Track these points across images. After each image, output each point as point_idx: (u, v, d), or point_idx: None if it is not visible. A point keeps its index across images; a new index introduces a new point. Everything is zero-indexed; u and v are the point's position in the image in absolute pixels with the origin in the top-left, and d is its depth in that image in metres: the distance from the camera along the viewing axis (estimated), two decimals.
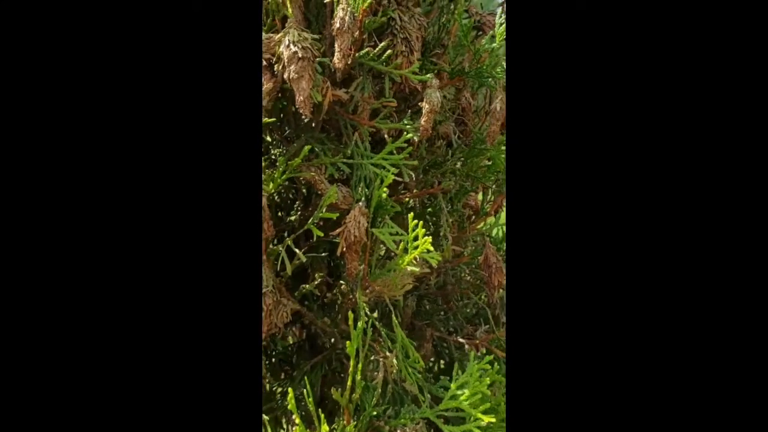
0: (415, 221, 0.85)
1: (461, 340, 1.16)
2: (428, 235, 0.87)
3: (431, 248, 0.83)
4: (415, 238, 0.87)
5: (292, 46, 0.91)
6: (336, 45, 0.93)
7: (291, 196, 1.22)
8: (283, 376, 1.20)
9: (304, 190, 1.18)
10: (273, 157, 1.16)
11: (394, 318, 0.93)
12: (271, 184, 0.95)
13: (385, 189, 0.92)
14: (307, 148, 0.98)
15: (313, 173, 1.02)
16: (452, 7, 1.17)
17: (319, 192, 1.05)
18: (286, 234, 1.20)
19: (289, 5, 0.92)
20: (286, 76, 0.92)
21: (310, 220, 0.98)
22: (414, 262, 0.87)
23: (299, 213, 1.17)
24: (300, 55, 0.91)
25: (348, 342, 0.85)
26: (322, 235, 0.92)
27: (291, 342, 1.20)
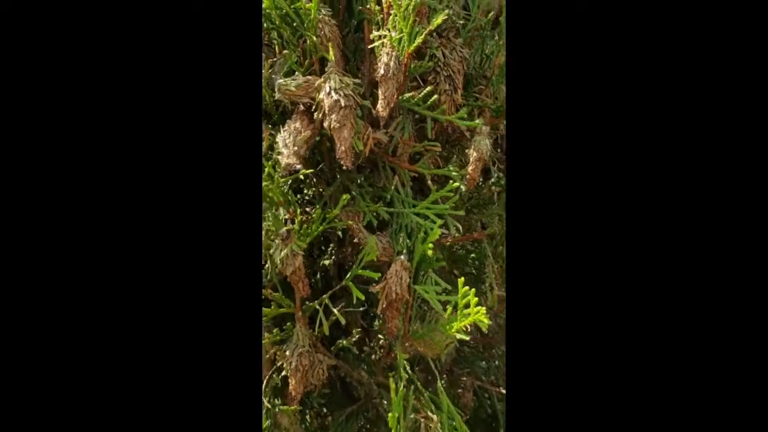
0: (466, 288, 0.79)
1: (504, 391, 1.09)
2: (470, 278, 0.80)
3: (485, 319, 0.76)
4: (465, 301, 0.81)
5: (333, 94, 0.85)
6: (380, 92, 0.86)
7: (323, 236, 1.16)
8: (316, 425, 1.15)
9: (339, 232, 1.12)
10: (306, 197, 1.10)
11: (439, 384, 0.87)
12: (307, 239, 0.89)
13: (430, 245, 0.85)
14: (345, 198, 0.92)
15: (351, 222, 0.96)
16: (496, 36, 1.10)
17: (357, 241, 0.99)
18: (318, 276, 1.14)
19: (331, 50, 0.85)
20: (326, 124, 0.86)
21: (348, 276, 0.92)
22: (463, 329, 0.80)
23: (333, 257, 1.11)
24: (342, 104, 0.85)
25: (388, 405, 0.79)
26: (362, 297, 0.86)
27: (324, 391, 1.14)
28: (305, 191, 1.10)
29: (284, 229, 0.84)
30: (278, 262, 0.84)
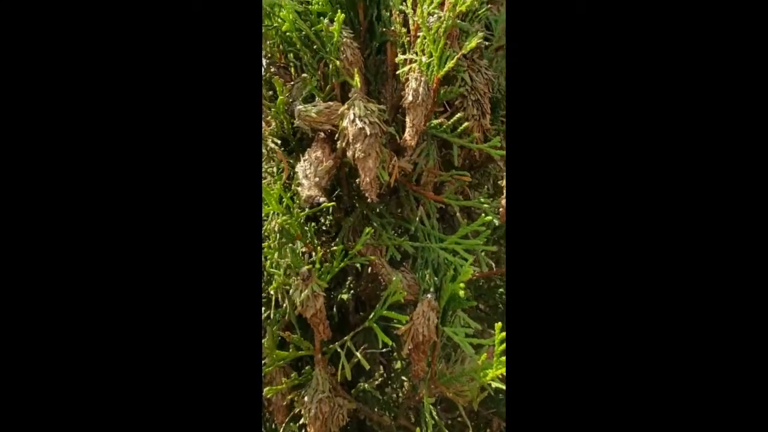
0: (503, 334, 0.72)
1: None
2: (498, 313, 0.74)
3: None
4: (503, 347, 0.74)
5: (358, 121, 0.79)
6: (408, 119, 0.81)
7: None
8: None
9: (357, 265, 1.06)
10: (323, 226, 1.03)
11: None
12: (328, 276, 0.83)
13: (461, 284, 0.79)
14: (368, 231, 0.86)
15: (373, 258, 0.90)
16: None
17: (380, 277, 0.92)
18: (335, 310, 1.08)
19: (357, 75, 0.79)
20: (350, 154, 0.80)
21: (371, 317, 0.85)
22: (499, 377, 0.74)
23: (351, 290, 1.05)
24: (368, 132, 0.79)
25: None
26: (390, 342, 0.80)
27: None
28: (321, 220, 1.04)
29: (305, 268, 0.77)
30: (298, 303, 0.78)
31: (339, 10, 0.92)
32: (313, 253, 0.94)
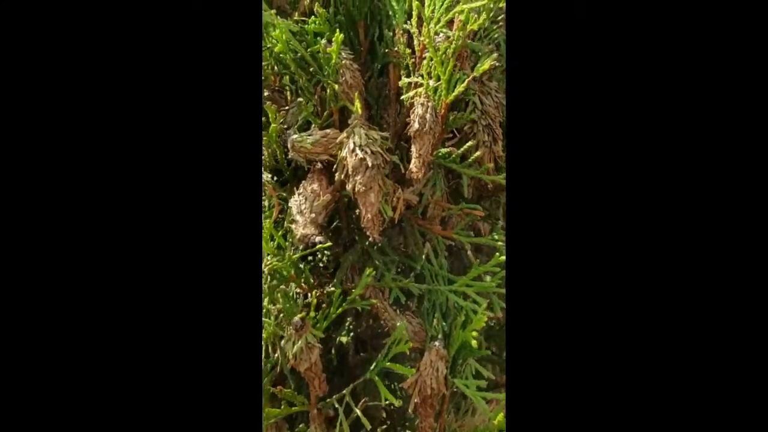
0: None
1: None
2: None
3: None
4: None
5: (358, 151, 0.71)
6: (414, 149, 0.73)
7: None
8: None
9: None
10: (321, 263, 0.95)
11: None
12: (325, 323, 0.74)
13: (474, 333, 0.70)
14: (369, 273, 0.78)
15: (375, 301, 0.81)
16: None
17: (383, 322, 0.84)
18: (333, 352, 0.99)
19: (357, 100, 0.72)
20: (350, 187, 0.72)
21: (372, 368, 0.76)
22: None
23: (351, 332, 0.96)
24: (369, 163, 0.70)
25: None
26: (394, 401, 0.71)
27: None
28: (318, 255, 0.96)
29: (298, 317, 0.69)
30: (290, 355, 0.69)
31: (338, 30, 0.85)
32: (309, 294, 0.86)
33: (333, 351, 0.98)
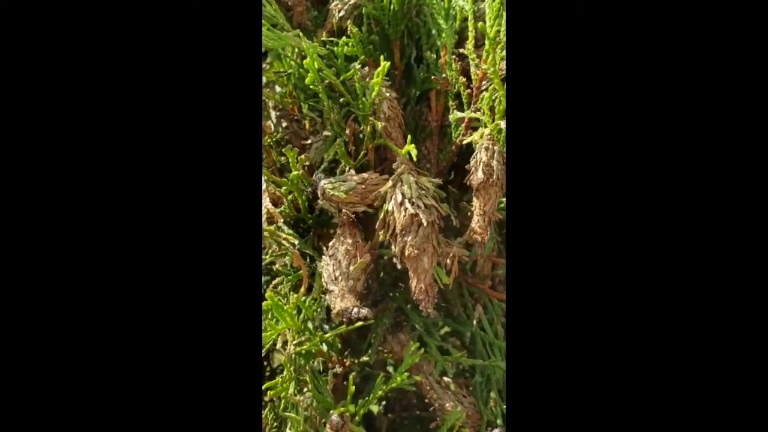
0: None
1: None
2: None
3: None
4: None
5: (408, 205, 0.57)
6: (477, 204, 0.59)
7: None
8: None
9: (390, 369, 0.83)
10: None
11: None
12: (362, 409, 0.60)
13: None
14: (417, 351, 0.64)
15: (419, 378, 0.68)
16: None
17: (427, 400, 0.70)
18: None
19: (409, 144, 0.58)
20: (397, 249, 0.58)
21: None
22: None
23: (388, 414, 0.82)
24: (423, 220, 0.57)
25: None
26: None
27: None
28: None
29: (335, 415, 0.55)
30: None
31: (381, 57, 0.72)
32: (337, 367, 0.72)
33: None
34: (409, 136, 0.57)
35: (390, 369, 0.82)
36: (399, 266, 0.58)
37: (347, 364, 0.72)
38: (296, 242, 0.59)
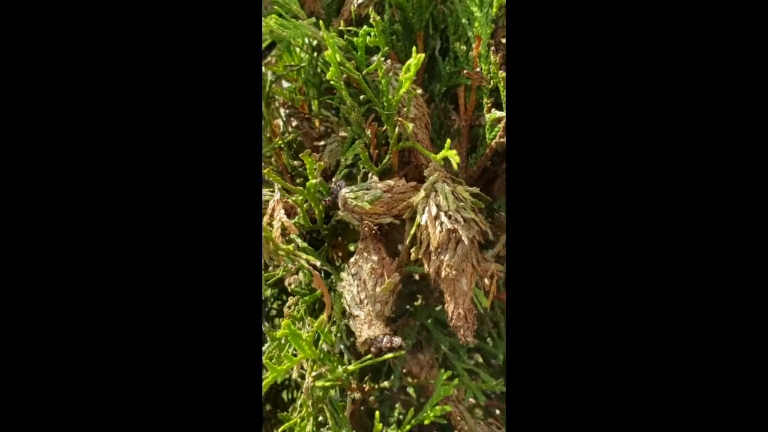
0: None
1: None
2: None
3: None
4: None
5: (445, 220, 0.50)
6: None
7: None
8: None
9: (412, 391, 0.76)
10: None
11: None
12: None
13: None
14: (449, 381, 0.57)
15: (449, 407, 0.60)
16: None
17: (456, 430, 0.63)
18: None
19: (448, 148, 0.50)
20: (431, 268, 0.51)
21: None
22: None
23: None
24: (462, 237, 0.50)
25: None
26: None
27: None
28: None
29: None
30: None
31: (396, 43, 0.64)
32: (356, 394, 0.64)
33: None
34: (448, 141, 0.49)
35: (410, 391, 0.75)
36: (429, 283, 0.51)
37: (366, 389, 0.65)
38: (318, 263, 0.51)
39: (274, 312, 0.82)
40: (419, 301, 0.78)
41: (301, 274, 0.62)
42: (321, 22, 0.54)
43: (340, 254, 0.73)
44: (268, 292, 0.83)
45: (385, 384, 0.65)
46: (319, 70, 0.71)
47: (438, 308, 0.77)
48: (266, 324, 0.64)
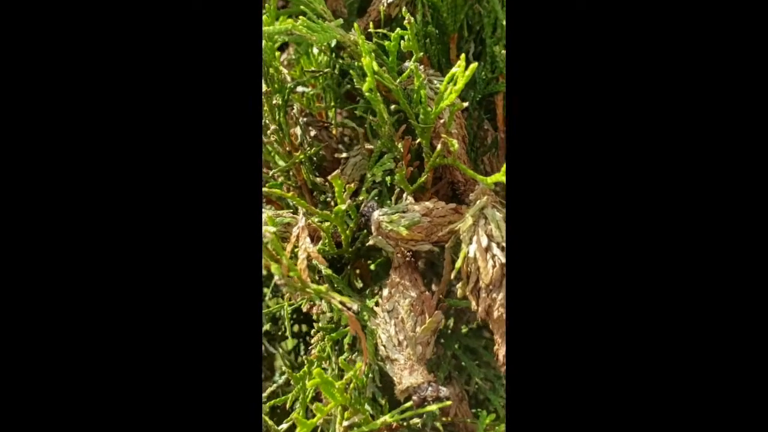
0: None
1: None
2: None
3: None
4: None
5: (497, 252, 0.44)
6: None
7: None
8: None
9: (439, 425, 0.70)
10: None
11: None
12: None
13: None
14: (492, 423, 0.51)
15: None
16: None
17: None
18: None
19: (502, 172, 0.44)
20: (480, 308, 0.45)
21: None
22: None
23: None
24: None
25: None
26: None
27: None
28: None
29: None
30: None
31: (429, 47, 0.58)
32: None
33: None
34: (504, 165, 0.43)
35: (438, 425, 0.70)
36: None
37: (395, 427, 0.59)
38: (355, 306, 0.45)
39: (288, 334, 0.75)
40: (444, 324, 0.73)
41: (324, 303, 0.55)
42: (356, 25, 0.47)
43: (358, 272, 0.66)
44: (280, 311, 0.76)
45: (416, 420, 0.59)
46: (336, 72, 0.65)
47: (464, 330, 0.72)
48: (285, 362, 0.58)
